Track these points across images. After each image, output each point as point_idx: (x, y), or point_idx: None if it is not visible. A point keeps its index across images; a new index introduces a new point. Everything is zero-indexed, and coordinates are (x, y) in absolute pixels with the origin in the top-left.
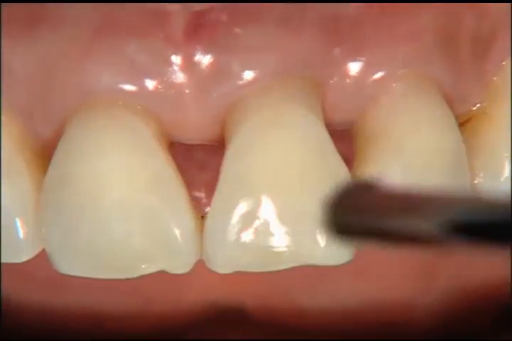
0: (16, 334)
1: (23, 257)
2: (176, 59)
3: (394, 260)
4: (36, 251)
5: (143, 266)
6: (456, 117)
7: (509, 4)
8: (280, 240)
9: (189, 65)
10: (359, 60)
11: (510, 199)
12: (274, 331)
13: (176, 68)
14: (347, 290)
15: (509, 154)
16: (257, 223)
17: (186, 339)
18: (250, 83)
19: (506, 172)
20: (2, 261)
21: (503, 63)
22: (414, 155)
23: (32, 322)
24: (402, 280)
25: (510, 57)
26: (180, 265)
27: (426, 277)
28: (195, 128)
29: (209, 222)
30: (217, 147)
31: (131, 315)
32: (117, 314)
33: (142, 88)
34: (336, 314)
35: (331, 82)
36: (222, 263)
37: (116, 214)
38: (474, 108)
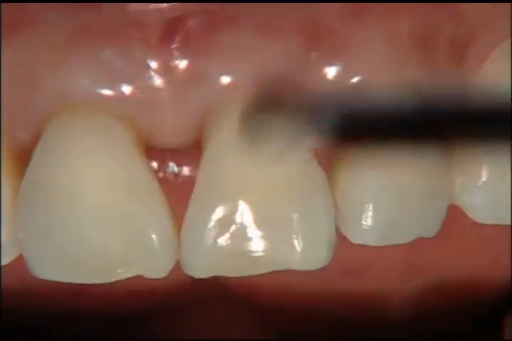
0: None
1: (1, 261)
2: (153, 64)
3: (377, 251)
4: (14, 256)
5: (119, 271)
6: None
7: (487, 8)
8: (257, 245)
9: (166, 70)
10: (336, 65)
11: None
12: (253, 306)
13: (152, 73)
14: (330, 272)
15: (487, 158)
16: (233, 228)
17: (165, 313)
18: (227, 88)
19: (484, 176)
20: None
21: (482, 66)
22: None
23: (8, 300)
24: (383, 269)
25: (490, 57)
26: (157, 269)
27: (406, 268)
28: (171, 133)
29: (186, 226)
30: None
31: (107, 290)
32: (93, 289)
33: (119, 93)
34: (317, 295)
35: (308, 86)
36: (199, 268)
37: (92, 219)
38: None
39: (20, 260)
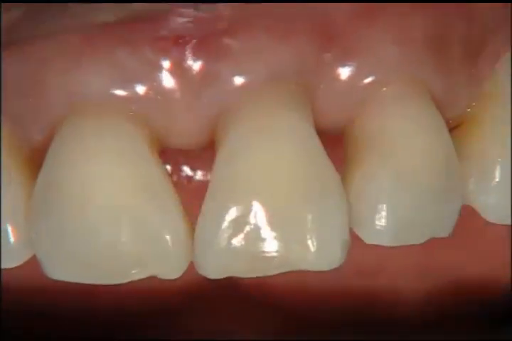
0: (13, 310)
1: (14, 263)
2: (166, 65)
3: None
4: (27, 257)
5: (133, 272)
6: (447, 121)
7: (500, 9)
8: (270, 245)
9: (179, 71)
10: (349, 65)
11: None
12: (267, 306)
13: (166, 74)
14: (344, 273)
15: (500, 158)
16: (247, 228)
17: (181, 313)
18: (240, 89)
19: (497, 177)
20: None
21: (495, 66)
22: (404, 160)
23: (26, 297)
24: (396, 270)
25: (502, 60)
26: (171, 270)
27: (419, 269)
28: (184, 134)
29: (200, 227)
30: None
31: (125, 290)
32: (111, 289)
33: (133, 94)
34: (331, 295)
35: (322, 87)
36: (213, 269)
37: (106, 220)
38: (465, 112)
39: (29, 261)
